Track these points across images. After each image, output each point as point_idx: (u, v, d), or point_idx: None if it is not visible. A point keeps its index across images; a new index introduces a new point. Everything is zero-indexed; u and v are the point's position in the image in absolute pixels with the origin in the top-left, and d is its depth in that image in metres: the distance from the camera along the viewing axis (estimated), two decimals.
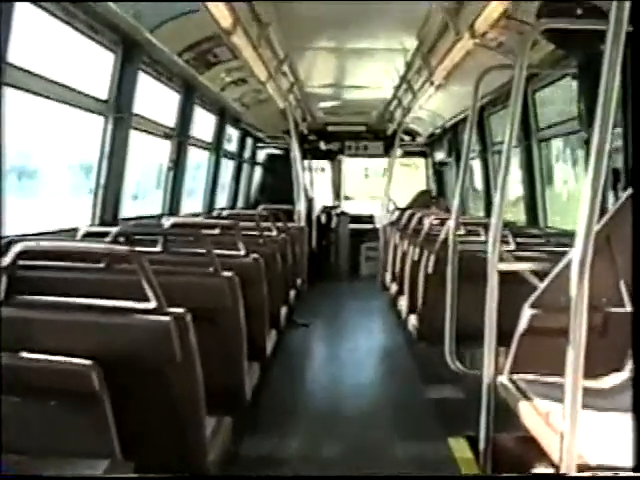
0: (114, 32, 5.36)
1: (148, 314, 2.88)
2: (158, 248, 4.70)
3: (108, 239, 4.05)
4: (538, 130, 7.37)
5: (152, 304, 2.90)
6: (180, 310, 2.93)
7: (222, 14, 5.30)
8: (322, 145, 13.97)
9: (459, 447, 4.74)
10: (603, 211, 4.53)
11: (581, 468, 2.57)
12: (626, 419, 3.00)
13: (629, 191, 3.50)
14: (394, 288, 8.45)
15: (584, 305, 2.49)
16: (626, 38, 2.42)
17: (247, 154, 12.96)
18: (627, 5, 2.36)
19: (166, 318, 2.85)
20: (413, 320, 6.52)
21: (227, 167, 11.60)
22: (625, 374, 3.63)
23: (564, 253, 3.69)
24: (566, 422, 2.54)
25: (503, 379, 3.66)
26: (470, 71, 6.13)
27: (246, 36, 6.05)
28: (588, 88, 5.13)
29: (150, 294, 2.90)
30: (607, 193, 4.73)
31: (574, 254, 2.51)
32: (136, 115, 6.06)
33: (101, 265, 3.88)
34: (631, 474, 2.35)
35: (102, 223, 5.57)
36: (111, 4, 4.73)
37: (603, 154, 2.43)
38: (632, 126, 4.03)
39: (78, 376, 2.50)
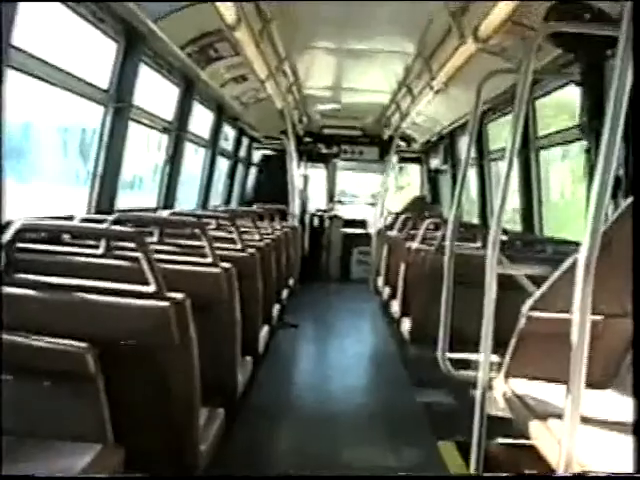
0: (118, 21, 5.33)
1: (147, 298, 2.84)
2: (155, 239, 4.67)
3: (105, 225, 4.00)
4: (537, 138, 7.37)
5: (152, 287, 2.86)
6: (180, 295, 2.90)
7: (227, 8, 5.28)
8: (318, 148, 13.97)
9: (449, 452, 4.73)
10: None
11: (580, 475, 2.54)
12: (624, 425, 2.99)
13: (630, 199, 3.49)
14: (387, 292, 8.43)
15: (588, 309, 2.47)
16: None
17: (243, 153, 12.93)
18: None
19: (165, 302, 2.82)
20: (406, 323, 6.50)
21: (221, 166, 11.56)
22: (621, 380, 3.62)
23: (560, 260, 3.69)
24: (565, 428, 2.52)
25: (499, 383, 3.64)
26: (470, 77, 6.13)
27: (249, 32, 6.03)
28: (592, 95, 5.12)
29: (150, 277, 2.86)
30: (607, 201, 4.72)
31: (580, 257, 2.49)
32: (136, 107, 6.02)
33: (99, 251, 3.84)
34: (631, 474, 2.33)
35: (98, 213, 5.52)
36: None
37: (611, 161, 2.42)
38: (632, 134, 4.01)
39: (73, 358, 2.47)
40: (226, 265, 4.01)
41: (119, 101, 5.62)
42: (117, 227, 3.84)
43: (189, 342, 2.90)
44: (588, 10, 4.15)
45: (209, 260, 3.99)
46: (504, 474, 3.80)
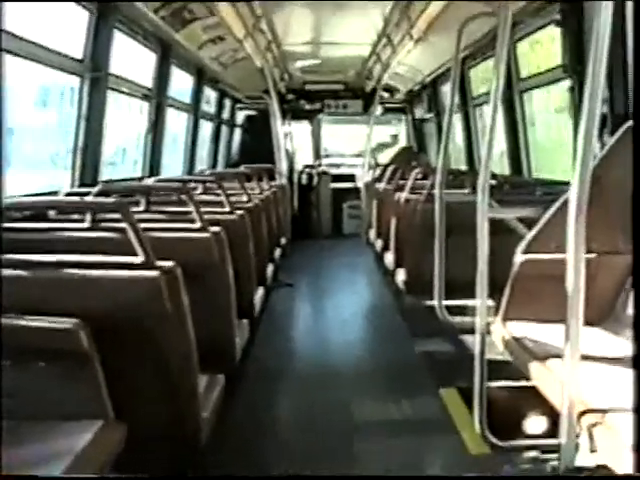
0: None
1: (136, 269, 2.81)
2: (141, 208, 4.62)
3: (89, 198, 3.95)
4: (519, 80, 7.32)
5: (140, 258, 2.83)
6: (169, 263, 2.86)
7: None
8: (301, 105, 13.86)
9: (451, 398, 4.76)
10: None
11: (583, 412, 2.56)
12: (622, 360, 3.02)
13: (617, 135, 3.47)
14: (379, 244, 8.43)
15: (582, 248, 2.46)
16: None
17: (226, 115, 12.82)
18: None
19: (155, 272, 2.78)
20: (401, 274, 6.51)
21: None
22: (616, 316, 3.64)
23: (550, 201, 3.68)
24: (566, 367, 2.53)
25: (497, 327, 3.66)
26: (449, 23, 6.05)
27: None
28: (572, 35, 5.08)
29: (138, 248, 2.83)
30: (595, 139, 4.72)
31: (571, 197, 2.48)
32: (113, 75, 5.94)
33: (85, 224, 3.80)
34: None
35: (82, 186, 5.47)
36: None
37: (597, 97, 2.40)
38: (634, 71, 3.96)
39: (66, 335, 2.43)
40: (216, 229, 3.97)
41: (95, 70, 5.53)
42: (100, 199, 3.79)
43: (182, 310, 2.87)
44: None
45: (198, 225, 3.95)
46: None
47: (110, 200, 3.29)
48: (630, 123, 3.34)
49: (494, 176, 3.72)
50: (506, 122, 7.53)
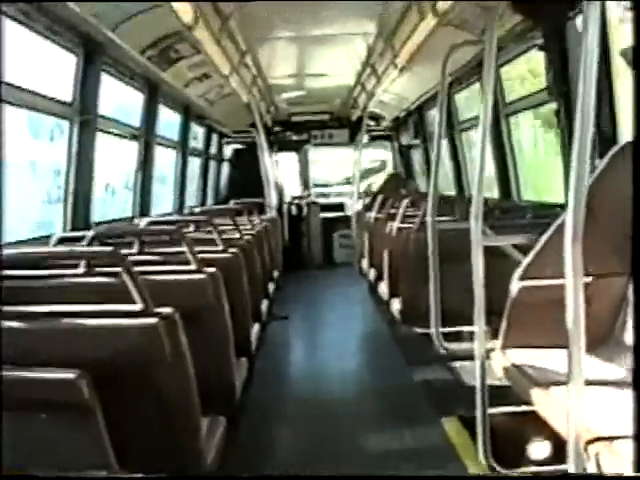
0: (74, 33, 5.25)
1: (135, 317, 2.79)
2: (134, 250, 4.61)
3: (84, 243, 3.95)
4: (505, 104, 7.38)
5: (138, 306, 2.82)
6: (168, 310, 2.84)
7: (184, 9, 5.22)
8: (288, 136, 13.93)
9: (453, 427, 4.75)
10: None
11: (590, 440, 2.55)
12: (623, 384, 3.01)
13: (606, 158, 3.49)
14: (373, 274, 8.43)
15: (580, 273, 2.47)
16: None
17: (214, 150, 12.85)
18: None
19: (154, 319, 2.77)
20: (396, 304, 6.51)
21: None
22: (616, 339, 3.64)
23: (541, 224, 3.69)
24: (571, 394, 2.52)
25: (497, 355, 3.65)
26: (434, 51, 6.10)
27: (208, 30, 5.98)
28: (556, 58, 5.13)
29: (136, 296, 2.82)
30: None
31: (567, 222, 2.48)
32: (102, 117, 5.97)
33: (80, 270, 3.78)
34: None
35: (74, 229, 5.47)
36: (70, 4, 4.63)
37: (589, 121, 2.41)
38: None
39: (67, 387, 2.40)
40: (211, 270, 3.97)
41: (84, 113, 5.55)
42: (95, 248, 3.78)
43: (182, 355, 2.86)
44: None
45: (193, 267, 3.94)
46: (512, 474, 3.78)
47: (105, 249, 3.28)
48: (618, 147, 3.36)
49: (485, 202, 3.72)
50: (494, 145, 7.56)
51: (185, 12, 5.30)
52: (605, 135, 4.62)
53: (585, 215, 2.48)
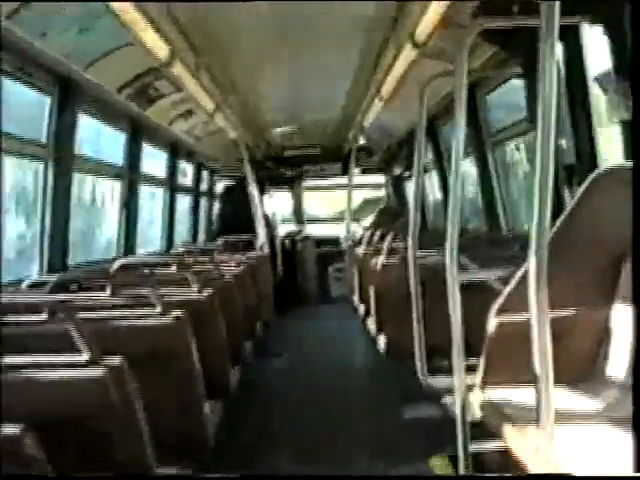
0: (47, 73, 5.21)
1: (82, 367, 2.72)
2: (107, 292, 4.52)
3: (46, 290, 3.88)
4: (490, 135, 7.31)
5: (85, 356, 2.74)
6: (116, 359, 2.78)
7: (157, 45, 5.18)
8: (280, 172, 13.89)
9: (441, 466, 4.62)
10: (561, 207, 4.48)
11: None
12: (606, 424, 2.89)
13: (584, 185, 3.40)
14: (362, 309, 8.32)
15: (545, 310, 2.37)
16: (561, 32, 2.32)
17: (204, 186, 12.78)
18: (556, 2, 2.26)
19: (100, 370, 2.70)
20: (382, 340, 6.40)
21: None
22: (599, 372, 3.52)
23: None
24: (540, 433, 2.42)
25: (476, 392, 3.54)
26: (419, 81, 6.06)
27: (185, 66, 5.93)
28: (535, 87, 5.06)
29: (82, 346, 2.75)
30: (563, 190, 4.70)
31: (529, 258, 2.39)
32: (80, 157, 5.90)
33: (44, 316, 3.69)
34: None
35: (50, 270, 5.37)
36: (40, 44, 4.58)
37: (549, 152, 2.31)
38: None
39: (11, 441, 2.31)
40: (177, 313, 3.85)
41: (59, 154, 5.48)
42: (52, 297, 3.70)
43: (132, 406, 2.78)
44: (516, 2, 4.06)
45: (158, 310, 3.85)
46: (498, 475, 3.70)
47: (60, 298, 3.22)
48: (597, 173, 3.26)
49: (462, 232, 3.63)
50: (479, 176, 7.48)
51: (160, 48, 5.26)
52: (584, 161, 4.55)
53: (568, 244, 2.39)
